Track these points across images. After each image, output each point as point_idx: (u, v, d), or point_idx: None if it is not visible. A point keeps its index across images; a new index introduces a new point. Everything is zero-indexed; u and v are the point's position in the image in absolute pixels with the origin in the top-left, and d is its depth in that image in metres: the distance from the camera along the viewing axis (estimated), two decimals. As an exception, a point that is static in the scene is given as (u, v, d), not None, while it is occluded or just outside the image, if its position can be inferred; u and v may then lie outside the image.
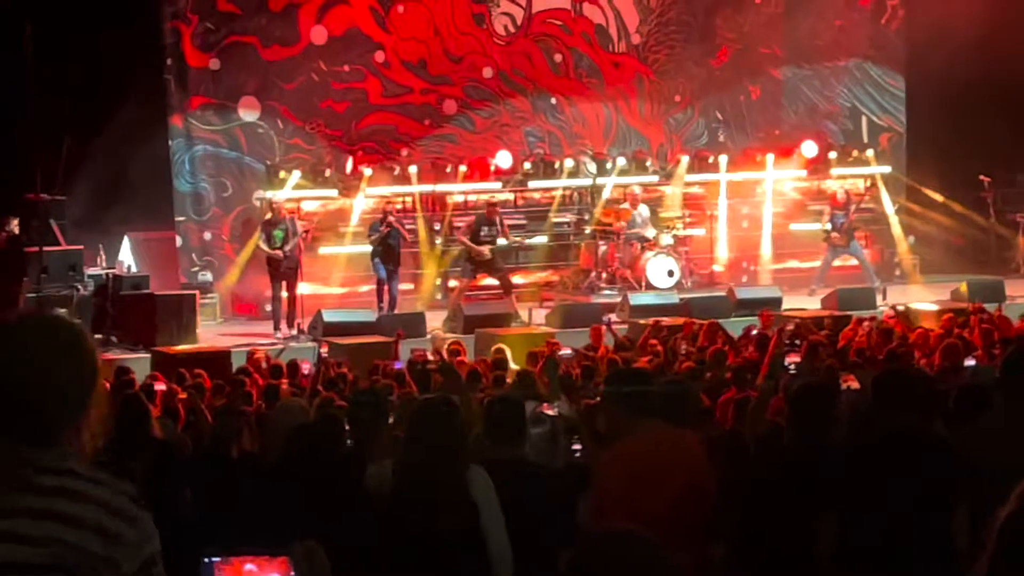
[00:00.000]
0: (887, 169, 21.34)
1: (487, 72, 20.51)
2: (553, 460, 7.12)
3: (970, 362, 9.78)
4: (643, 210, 19.36)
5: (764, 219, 20.80)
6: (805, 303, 18.32)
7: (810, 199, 21.20)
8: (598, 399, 7.99)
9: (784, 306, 17.45)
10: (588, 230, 20.04)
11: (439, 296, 19.52)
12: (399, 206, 19.17)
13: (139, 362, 13.95)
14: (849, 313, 15.61)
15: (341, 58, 19.74)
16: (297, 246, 17.22)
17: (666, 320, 15.03)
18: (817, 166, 21.00)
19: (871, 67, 22.10)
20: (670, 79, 21.27)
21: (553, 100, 20.87)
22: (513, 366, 11.53)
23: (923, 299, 17.66)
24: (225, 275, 19.04)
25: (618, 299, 17.95)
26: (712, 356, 10.88)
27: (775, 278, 20.38)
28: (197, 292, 17.53)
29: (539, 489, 5.49)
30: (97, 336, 15.61)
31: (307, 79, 19.55)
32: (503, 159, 19.88)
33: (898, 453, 5.15)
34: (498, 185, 19.95)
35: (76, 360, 2.58)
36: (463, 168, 19.79)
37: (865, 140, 21.85)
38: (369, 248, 17.99)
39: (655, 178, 20.52)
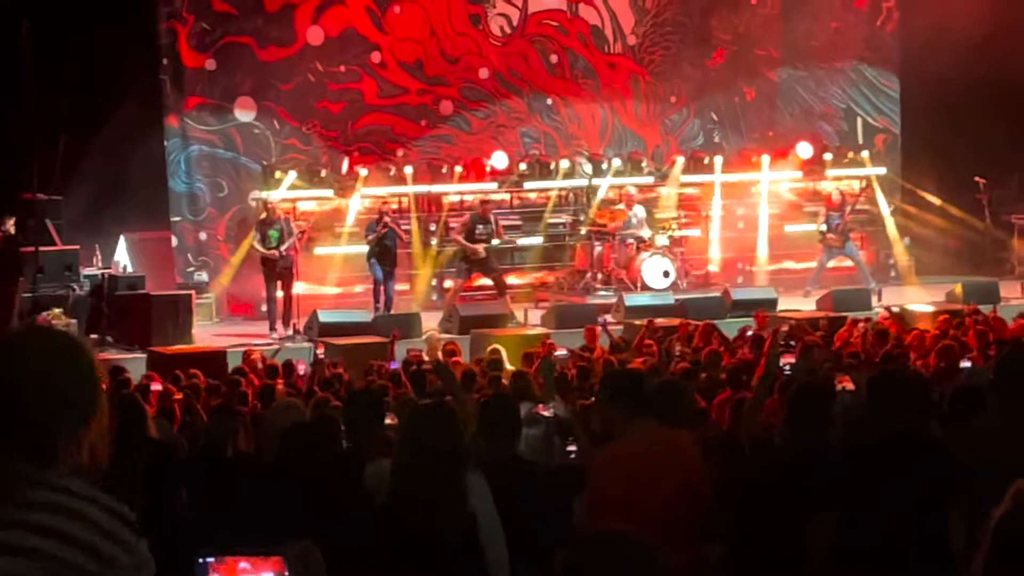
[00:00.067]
0: (882, 171, 21.35)
1: (483, 73, 20.52)
2: (548, 461, 7.13)
3: (966, 364, 9.80)
4: (639, 211, 19.36)
5: (760, 220, 20.81)
6: (800, 304, 18.34)
7: (806, 200, 21.21)
8: (593, 400, 8.00)
9: (779, 307, 17.47)
10: (583, 231, 20.05)
11: (434, 297, 19.53)
12: (395, 206, 19.17)
13: (135, 362, 13.92)
14: (844, 314, 15.61)
15: (337, 59, 19.74)
16: (292, 246, 17.21)
17: (661, 321, 15.03)
18: (812, 167, 21.03)
19: (866, 69, 22.12)
20: (666, 80, 21.28)
21: (549, 101, 20.88)
22: (508, 367, 11.53)
23: (918, 300, 17.67)
24: (220, 275, 19.04)
25: (613, 300, 17.96)
26: (707, 357, 10.88)
27: (770, 279, 20.39)
28: (193, 292, 17.53)
29: (534, 487, 5.50)
30: (93, 336, 15.61)
31: (303, 79, 19.55)
32: (499, 160, 19.88)
33: (894, 454, 5.15)
34: (494, 186, 19.96)
35: (77, 373, 2.57)
36: (459, 169, 19.80)
37: (860, 141, 21.86)
38: (365, 249, 17.99)
39: (650, 179, 20.53)
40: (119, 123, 17.44)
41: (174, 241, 19.20)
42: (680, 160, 20.62)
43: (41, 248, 16.16)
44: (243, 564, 2.86)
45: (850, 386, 8.13)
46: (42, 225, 16.67)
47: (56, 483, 2.51)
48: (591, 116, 21.07)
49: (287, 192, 18.75)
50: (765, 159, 20.71)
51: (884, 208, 21.19)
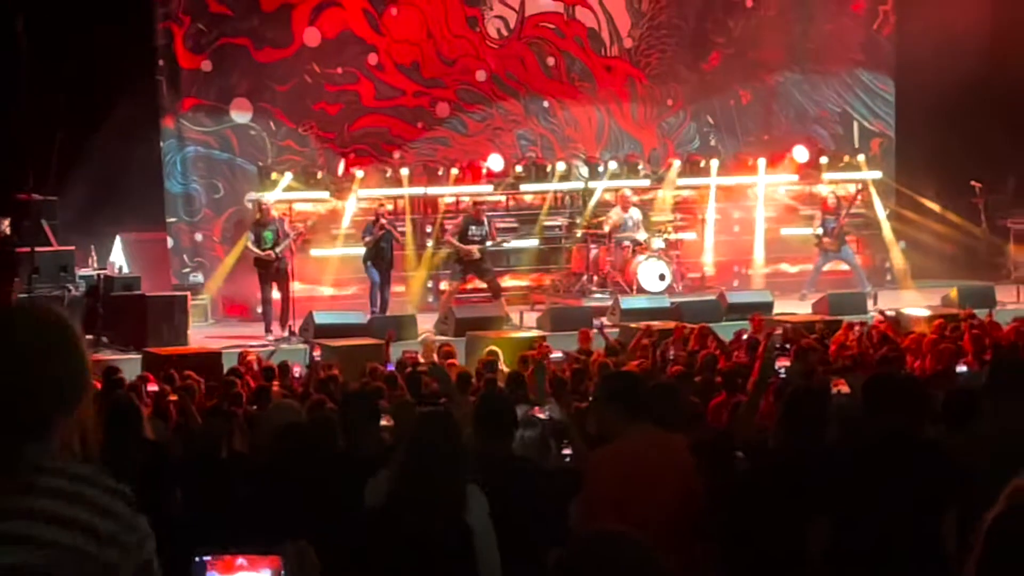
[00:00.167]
0: (878, 174, 21.37)
1: (480, 75, 20.52)
2: (544, 464, 7.13)
3: (962, 368, 9.81)
4: (634, 213, 19.36)
5: (756, 223, 20.83)
6: (796, 308, 18.34)
7: (802, 204, 21.23)
8: (589, 403, 8.01)
9: (775, 310, 17.46)
10: (579, 233, 20.05)
11: (430, 299, 19.53)
12: (390, 207, 19.15)
13: (130, 363, 13.92)
14: (840, 318, 15.61)
15: (334, 60, 19.74)
16: (288, 248, 17.19)
17: (657, 324, 15.03)
18: (808, 171, 21.05)
19: (862, 72, 22.14)
20: (662, 83, 21.30)
21: (545, 103, 20.89)
22: (504, 369, 11.54)
23: (914, 304, 17.66)
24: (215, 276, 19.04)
25: (609, 302, 17.96)
26: (703, 360, 10.88)
27: (766, 282, 20.40)
28: (188, 293, 17.52)
29: (529, 486, 5.51)
30: (88, 337, 15.58)
31: (300, 81, 19.55)
32: (495, 162, 19.89)
33: (888, 456, 5.16)
34: (490, 188, 19.97)
35: (66, 349, 2.55)
36: (455, 171, 19.81)
37: (856, 145, 21.88)
38: (361, 250, 17.98)
39: (647, 182, 20.53)
40: (115, 124, 17.43)
41: (170, 242, 19.19)
42: (676, 163, 20.64)
43: (37, 248, 16.14)
44: (240, 561, 2.86)
45: (845, 389, 8.15)
46: (38, 225, 16.65)
47: (55, 466, 2.50)
48: (587, 119, 21.08)
49: (283, 193, 18.74)
50: (761, 162, 20.73)
51: (880, 212, 21.21)
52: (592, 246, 19.45)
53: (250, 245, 17.25)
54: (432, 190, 19.82)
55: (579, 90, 20.96)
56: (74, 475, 2.51)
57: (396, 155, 19.97)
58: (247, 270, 17.91)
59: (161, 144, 19.04)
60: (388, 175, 19.49)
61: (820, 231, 19.59)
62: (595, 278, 19.33)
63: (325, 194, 19.32)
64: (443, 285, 19.17)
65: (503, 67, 20.64)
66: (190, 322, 16.83)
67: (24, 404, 2.49)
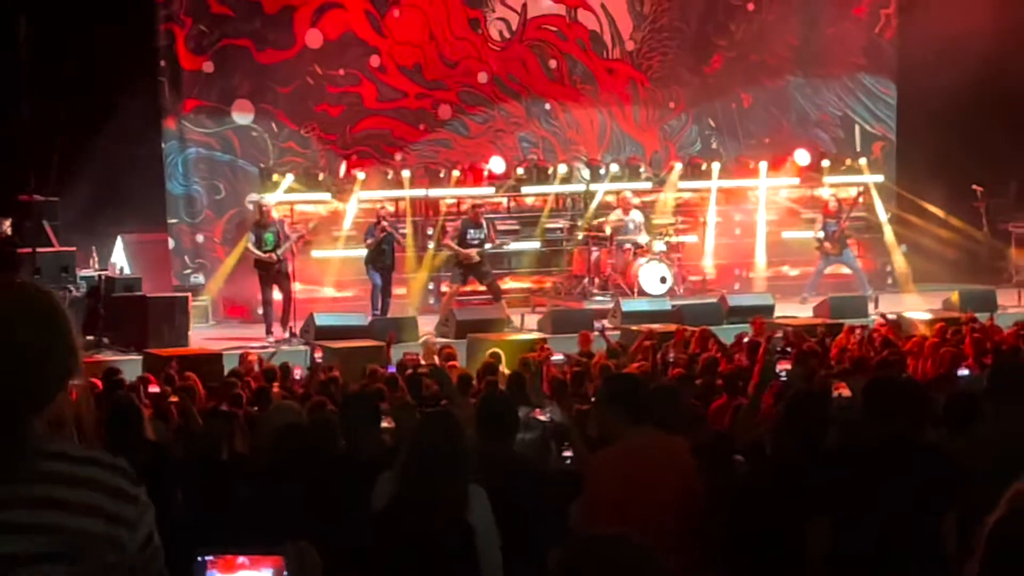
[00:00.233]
0: (879, 178, 21.38)
1: (482, 77, 20.53)
2: (544, 466, 7.13)
3: (963, 372, 9.81)
4: (636, 215, 19.35)
5: (757, 226, 20.83)
6: (797, 311, 18.33)
7: (803, 207, 21.23)
8: (590, 405, 8.01)
9: (776, 313, 17.46)
10: (580, 236, 20.05)
11: (431, 300, 19.53)
12: (391, 209, 19.15)
13: (130, 364, 13.92)
14: (841, 321, 15.60)
15: (336, 62, 19.74)
16: (289, 250, 17.18)
17: (658, 327, 15.04)
18: (810, 174, 21.05)
19: (864, 76, 22.13)
20: (664, 86, 21.30)
21: (547, 106, 20.89)
22: (505, 371, 11.54)
23: (915, 308, 17.66)
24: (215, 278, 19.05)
25: (610, 305, 17.95)
26: (704, 363, 10.88)
27: (768, 285, 20.39)
28: (189, 295, 17.52)
29: (530, 486, 5.51)
30: (89, 338, 15.59)
31: (302, 83, 19.55)
32: (496, 164, 19.90)
33: (889, 459, 5.16)
34: (491, 190, 19.97)
35: (55, 324, 2.51)
36: (456, 173, 19.81)
37: (858, 149, 21.88)
38: (362, 252, 17.99)
39: (648, 184, 20.54)
40: (117, 125, 17.43)
41: (171, 243, 19.19)
42: (678, 166, 20.65)
43: (38, 249, 16.13)
44: (241, 560, 2.86)
45: (846, 392, 8.14)
46: (39, 226, 16.64)
47: (53, 449, 2.48)
48: (589, 121, 21.08)
49: (284, 195, 18.75)
50: (763, 165, 20.73)
51: (881, 215, 21.21)
52: (593, 248, 19.44)
53: (251, 247, 17.25)
54: (433, 192, 19.83)
55: (581, 92, 20.96)
56: (73, 457, 2.50)
57: (398, 157, 19.97)
58: (248, 271, 17.91)
59: (162, 145, 19.05)
60: (389, 177, 19.49)
61: (821, 234, 19.59)
62: (596, 280, 19.33)
63: (326, 196, 19.32)
64: (444, 287, 19.17)
65: (505, 69, 20.64)
66: (191, 323, 16.83)
67: (15, 375, 2.43)
